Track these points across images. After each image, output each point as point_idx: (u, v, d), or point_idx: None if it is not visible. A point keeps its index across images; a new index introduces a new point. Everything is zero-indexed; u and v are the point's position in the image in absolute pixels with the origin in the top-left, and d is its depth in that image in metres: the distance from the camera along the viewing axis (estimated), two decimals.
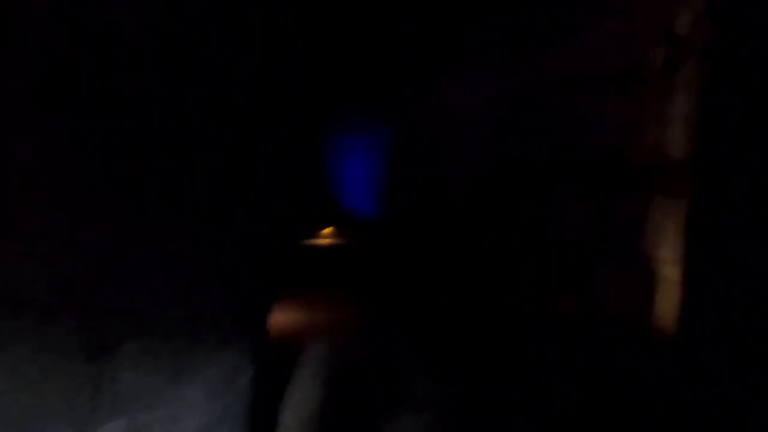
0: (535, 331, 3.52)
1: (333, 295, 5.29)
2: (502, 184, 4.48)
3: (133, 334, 1.43)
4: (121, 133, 1.39)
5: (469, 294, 4.64)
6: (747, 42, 2.25)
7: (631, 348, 2.82)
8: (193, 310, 1.73)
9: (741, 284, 2.23)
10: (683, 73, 2.64)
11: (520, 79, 4.26)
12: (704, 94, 2.45)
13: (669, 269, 2.67)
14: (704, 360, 2.37)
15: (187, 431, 1.69)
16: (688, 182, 2.54)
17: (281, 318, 4.12)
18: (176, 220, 1.65)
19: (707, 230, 2.41)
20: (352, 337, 3.86)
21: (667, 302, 2.67)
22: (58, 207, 1.21)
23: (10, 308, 1.09)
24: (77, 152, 1.26)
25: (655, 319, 2.76)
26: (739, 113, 2.25)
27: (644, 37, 2.97)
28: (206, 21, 1.79)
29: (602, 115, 3.35)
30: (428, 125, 6.20)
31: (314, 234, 8.91)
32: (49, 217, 1.19)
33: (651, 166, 2.91)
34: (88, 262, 1.29)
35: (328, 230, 9.27)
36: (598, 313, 3.24)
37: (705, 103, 2.44)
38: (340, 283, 5.94)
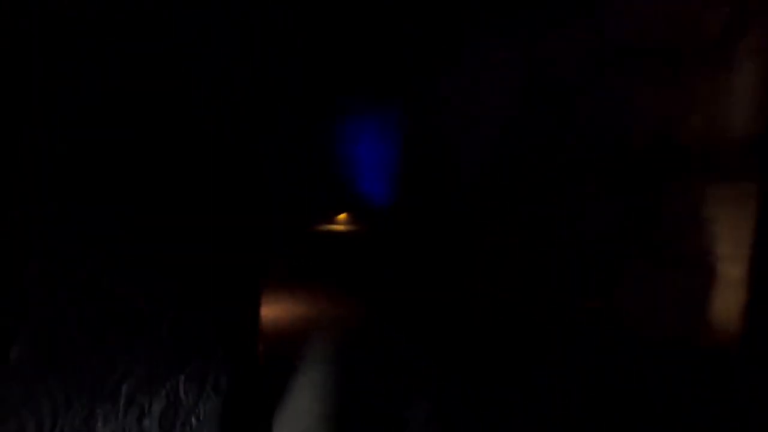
0: (537, 332, 3.51)
1: (340, 287, 5.30)
2: (503, 183, 4.47)
3: None
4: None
5: (470, 294, 4.64)
6: None
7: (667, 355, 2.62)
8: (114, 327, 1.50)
9: None
10: (747, 39, 2.37)
11: (544, 50, 4.04)
12: None
13: (729, 266, 2.40)
14: None
15: None
16: (756, 163, 2.27)
17: (282, 313, 4.09)
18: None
19: None
20: (353, 337, 3.85)
21: (727, 304, 2.42)
22: None
23: None
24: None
25: (708, 326, 2.51)
26: None
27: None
28: (206, 21, 1.78)
29: (643, 96, 2.98)
30: (429, 124, 6.19)
31: (327, 220, 8.96)
32: None
33: (704, 150, 2.56)
34: None
35: (341, 216, 9.29)
36: (622, 316, 3.05)
37: None
38: (349, 275, 5.96)
